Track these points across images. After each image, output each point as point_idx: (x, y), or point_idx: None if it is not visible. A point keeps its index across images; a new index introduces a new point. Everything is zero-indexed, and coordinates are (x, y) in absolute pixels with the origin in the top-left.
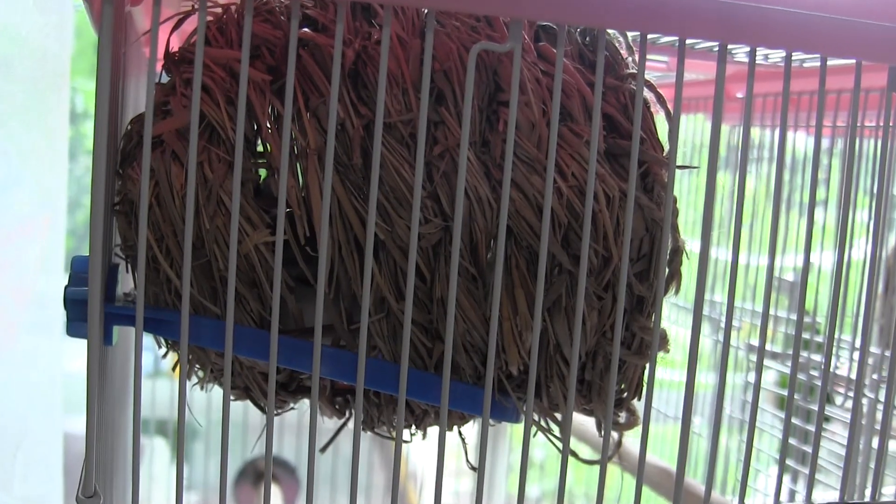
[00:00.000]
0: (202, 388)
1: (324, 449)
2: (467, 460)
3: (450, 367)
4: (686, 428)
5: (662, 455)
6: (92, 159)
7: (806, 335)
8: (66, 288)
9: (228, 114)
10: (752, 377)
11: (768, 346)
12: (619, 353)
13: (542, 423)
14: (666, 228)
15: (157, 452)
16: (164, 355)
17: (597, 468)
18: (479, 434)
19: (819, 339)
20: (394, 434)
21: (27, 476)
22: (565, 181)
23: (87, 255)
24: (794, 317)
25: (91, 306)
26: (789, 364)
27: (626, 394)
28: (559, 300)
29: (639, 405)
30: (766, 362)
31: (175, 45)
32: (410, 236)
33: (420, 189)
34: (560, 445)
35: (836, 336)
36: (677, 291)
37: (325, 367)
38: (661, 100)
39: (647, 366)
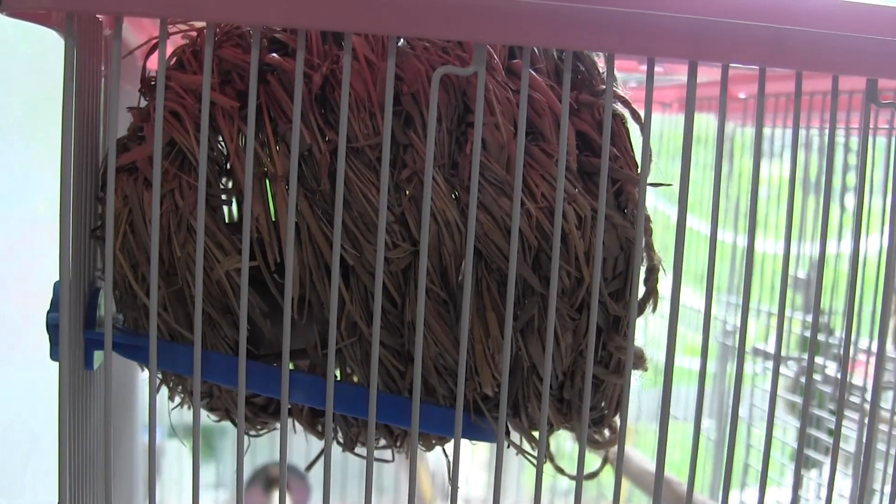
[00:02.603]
0: (181, 407)
1: (308, 468)
2: (450, 480)
3: (420, 389)
4: (663, 429)
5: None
6: (59, 187)
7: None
8: (47, 313)
9: (198, 140)
10: (759, 381)
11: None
12: (595, 373)
13: (523, 442)
14: (638, 247)
15: (168, 455)
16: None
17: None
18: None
19: (832, 340)
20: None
21: (36, 486)
22: (534, 202)
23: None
24: (802, 317)
25: (62, 333)
26: (794, 368)
27: (606, 412)
28: (532, 321)
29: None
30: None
31: (154, 68)
32: (376, 260)
33: (385, 212)
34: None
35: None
36: (654, 309)
37: (299, 393)
38: (635, 116)
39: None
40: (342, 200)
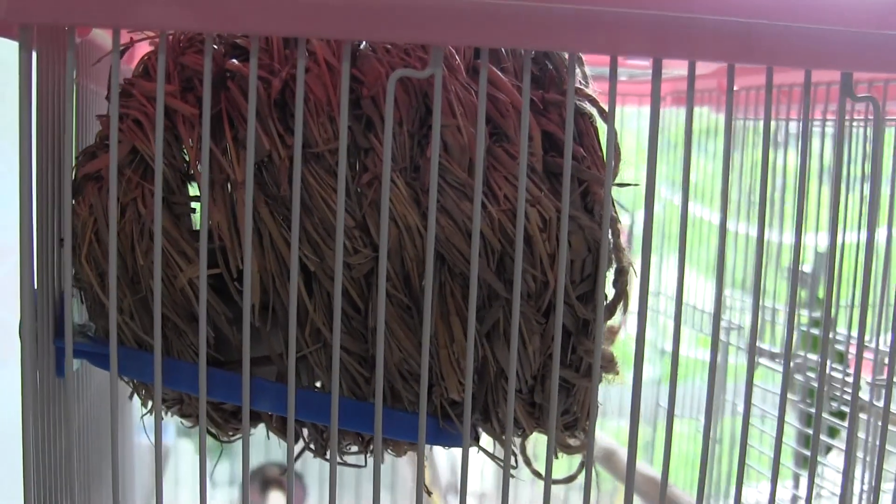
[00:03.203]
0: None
1: (282, 474)
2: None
3: (381, 395)
4: (669, 431)
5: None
6: (19, 196)
7: (816, 331)
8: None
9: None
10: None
11: (773, 348)
12: (566, 376)
13: (496, 446)
14: (604, 249)
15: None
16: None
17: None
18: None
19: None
20: (347, 459)
21: None
22: (497, 205)
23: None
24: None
25: (23, 340)
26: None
27: (578, 416)
28: (497, 325)
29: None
30: (770, 364)
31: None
32: (335, 265)
33: (343, 216)
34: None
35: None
36: (625, 311)
37: (265, 401)
38: (603, 114)
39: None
40: (299, 205)
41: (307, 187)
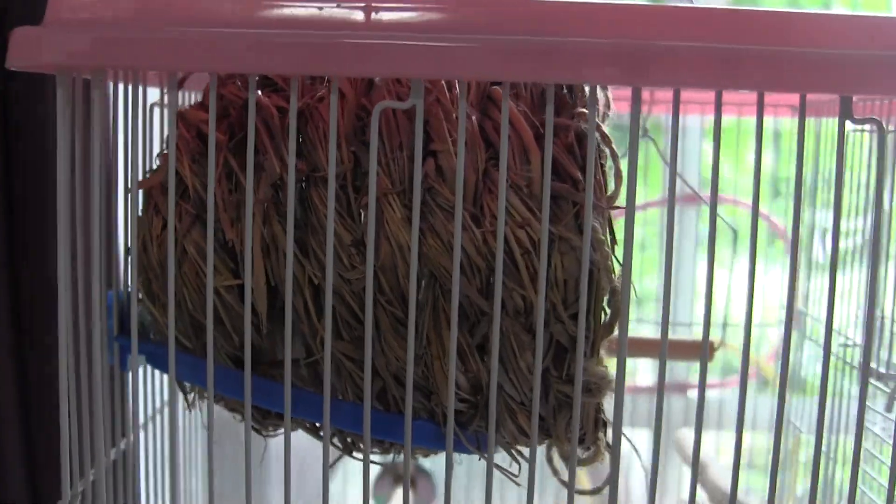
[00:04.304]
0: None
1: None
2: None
3: (370, 401)
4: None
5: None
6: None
7: None
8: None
9: (193, 171)
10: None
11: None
12: (566, 391)
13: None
14: (584, 268)
15: None
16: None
17: None
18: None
19: None
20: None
21: None
22: (484, 227)
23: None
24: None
25: (60, 333)
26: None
27: (586, 430)
28: (488, 340)
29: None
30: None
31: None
32: (326, 279)
33: (332, 233)
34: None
35: None
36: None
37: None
38: (605, 139)
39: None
40: (293, 223)
41: (314, 209)
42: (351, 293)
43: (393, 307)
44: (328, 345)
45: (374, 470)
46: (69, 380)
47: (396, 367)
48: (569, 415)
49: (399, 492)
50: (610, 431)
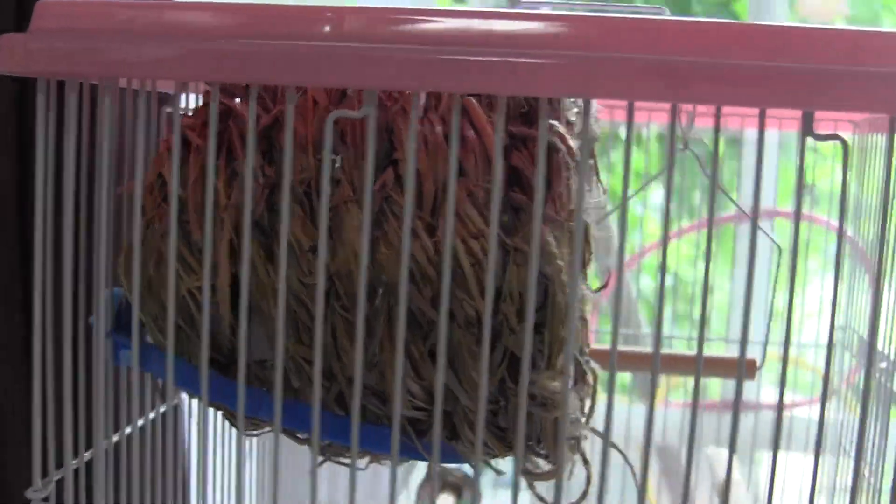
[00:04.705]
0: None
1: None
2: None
3: (319, 403)
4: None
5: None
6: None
7: None
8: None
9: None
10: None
11: None
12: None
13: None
14: (531, 281)
15: None
16: None
17: None
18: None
19: None
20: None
21: None
22: (432, 237)
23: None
24: None
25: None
26: None
27: (540, 443)
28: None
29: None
30: None
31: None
32: (279, 283)
33: (287, 235)
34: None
35: None
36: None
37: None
38: (570, 151)
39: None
40: (249, 229)
41: (279, 214)
42: (311, 298)
43: (349, 313)
44: (280, 348)
45: (421, 474)
46: (42, 367)
47: (352, 372)
48: (529, 427)
49: (442, 498)
50: (588, 446)
